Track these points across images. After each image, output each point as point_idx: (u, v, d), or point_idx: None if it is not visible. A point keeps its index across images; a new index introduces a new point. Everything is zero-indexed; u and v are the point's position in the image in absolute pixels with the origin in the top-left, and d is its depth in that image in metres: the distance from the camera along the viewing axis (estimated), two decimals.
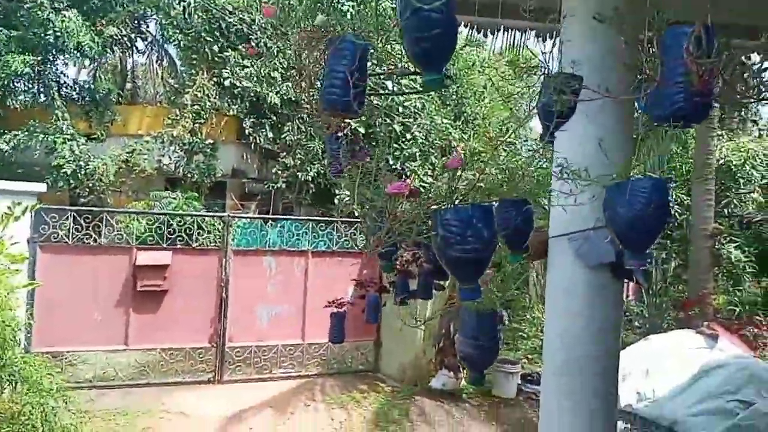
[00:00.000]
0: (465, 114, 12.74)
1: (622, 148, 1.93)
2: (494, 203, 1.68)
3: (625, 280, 2.41)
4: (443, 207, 1.33)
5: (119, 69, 17.45)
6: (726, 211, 10.13)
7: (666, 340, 5.99)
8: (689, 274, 8.37)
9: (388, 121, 10.81)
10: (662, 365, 5.60)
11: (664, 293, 8.65)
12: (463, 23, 3.91)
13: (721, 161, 10.14)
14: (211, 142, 12.50)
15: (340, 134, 2.86)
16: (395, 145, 10.53)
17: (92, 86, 12.39)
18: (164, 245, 6.25)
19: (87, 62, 11.69)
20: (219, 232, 7.62)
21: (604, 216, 1.44)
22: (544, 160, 2.28)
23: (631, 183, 1.31)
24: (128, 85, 17.92)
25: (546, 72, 1.48)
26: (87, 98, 12.43)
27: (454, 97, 12.70)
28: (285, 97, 11.68)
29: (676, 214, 10.15)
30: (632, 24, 1.52)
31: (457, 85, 12.65)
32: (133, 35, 15.55)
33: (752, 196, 10.89)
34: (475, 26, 4.06)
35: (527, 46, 4.64)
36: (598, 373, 2.38)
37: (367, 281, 3.88)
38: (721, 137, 10.71)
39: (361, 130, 7.86)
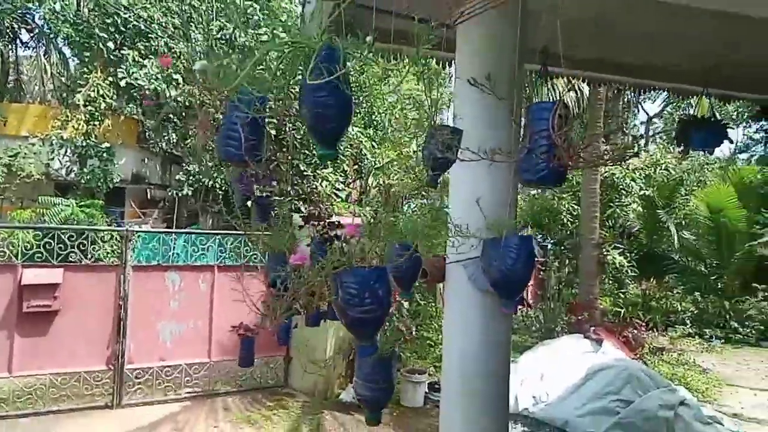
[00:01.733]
0: (375, 122, 12.93)
1: (499, 203, 2.14)
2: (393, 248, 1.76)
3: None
4: (342, 269, 1.38)
5: (0, 62, 15.89)
6: (610, 221, 11.09)
7: (558, 346, 6.49)
8: (579, 280, 9.09)
9: (299, 125, 10.75)
10: (555, 369, 6.05)
11: (557, 299, 9.31)
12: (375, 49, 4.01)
13: (606, 174, 11.10)
14: (107, 145, 11.72)
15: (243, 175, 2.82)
16: (306, 151, 10.47)
17: None
18: (54, 262, 5.80)
19: None
20: (117, 243, 7.19)
21: (482, 264, 1.58)
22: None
23: (504, 240, 1.47)
24: (11, 81, 16.36)
25: (432, 123, 1.60)
26: None
27: (364, 105, 12.87)
28: (188, 100, 11.22)
29: (569, 223, 11.00)
30: (505, 88, 1.70)
31: (366, 93, 12.83)
32: (16, 26, 14.28)
33: (632, 207, 12.01)
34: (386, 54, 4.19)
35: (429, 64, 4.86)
36: (490, 389, 2.56)
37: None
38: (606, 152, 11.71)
39: (273, 132, 7.73)
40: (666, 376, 7.04)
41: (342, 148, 11.26)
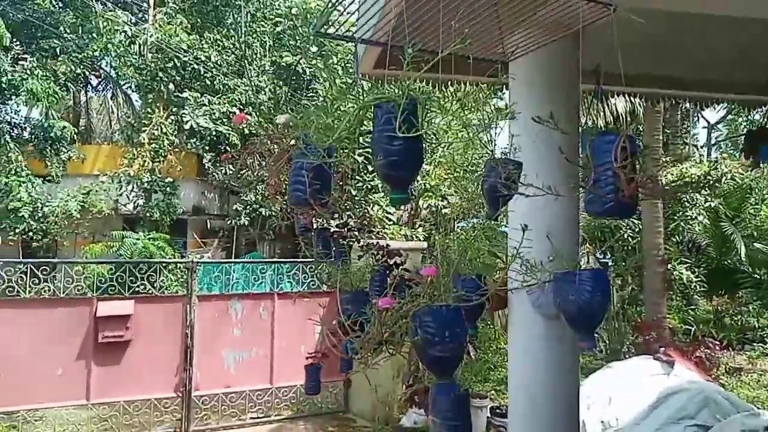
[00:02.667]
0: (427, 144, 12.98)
1: (569, 235, 2.12)
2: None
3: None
4: (421, 309, 1.42)
5: (72, 106, 17.09)
6: (675, 235, 10.62)
7: (626, 368, 6.21)
8: (645, 298, 8.71)
9: (349, 153, 10.96)
10: (623, 393, 5.79)
11: (622, 318, 8.96)
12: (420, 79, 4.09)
13: (667, 187, 10.67)
14: (171, 180, 12.33)
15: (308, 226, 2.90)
16: (357, 177, 10.64)
17: (44, 124, 12.03)
18: (126, 294, 6.12)
19: (39, 104, 11.40)
20: (182, 273, 7.52)
21: (556, 301, 1.58)
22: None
23: (578, 274, 1.46)
24: (82, 122, 17.56)
25: (491, 155, 1.62)
26: (41, 137, 12.07)
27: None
28: (245, 133, 11.65)
29: (629, 238, 10.61)
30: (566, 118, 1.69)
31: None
32: (86, 72, 15.32)
33: (698, 219, 11.46)
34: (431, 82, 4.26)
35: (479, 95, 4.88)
36: (559, 412, 2.51)
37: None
38: (666, 164, 11.29)
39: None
40: (747, 400, 6.61)
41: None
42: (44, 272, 5.82)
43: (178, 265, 8.07)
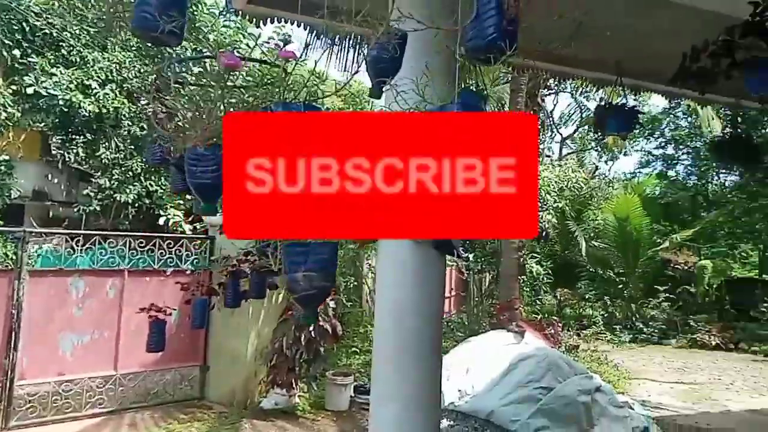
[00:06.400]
0: None
1: None
2: None
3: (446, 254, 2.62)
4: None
5: None
6: None
7: (482, 341, 6.57)
8: (500, 283, 9.34)
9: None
10: (479, 363, 6.10)
11: (480, 302, 9.50)
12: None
13: None
14: (6, 158, 10.80)
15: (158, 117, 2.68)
16: None
17: None
18: None
19: None
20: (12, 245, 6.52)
21: None
22: None
23: None
24: None
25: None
26: None
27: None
28: (103, 108, 10.60)
29: None
30: None
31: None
32: None
33: (547, 218, 12.58)
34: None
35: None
36: (425, 341, 2.51)
37: (193, 284, 3.62)
38: None
39: None
40: None
41: None
42: None
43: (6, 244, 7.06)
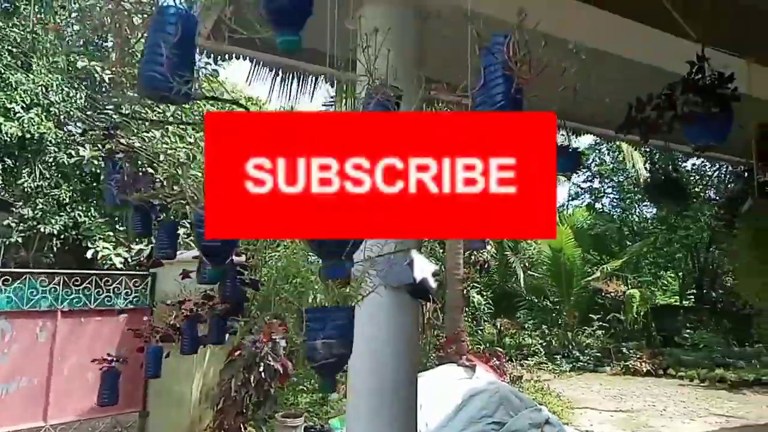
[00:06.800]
0: None
1: None
2: None
3: (420, 300, 2.64)
4: None
5: None
6: (471, 258, 11.79)
7: (433, 375, 6.58)
8: (446, 315, 9.44)
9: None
10: (432, 399, 6.09)
11: (423, 333, 9.54)
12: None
13: None
14: None
15: (118, 157, 2.59)
16: None
17: None
18: None
19: None
20: None
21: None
22: None
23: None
24: None
25: (371, 82, 1.56)
26: None
27: None
28: (27, 133, 9.96)
29: (435, 258, 11.51)
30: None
31: None
32: None
33: (488, 247, 12.94)
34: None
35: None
36: (401, 383, 2.50)
37: (147, 330, 3.41)
38: None
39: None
40: None
41: None
42: None
43: None
